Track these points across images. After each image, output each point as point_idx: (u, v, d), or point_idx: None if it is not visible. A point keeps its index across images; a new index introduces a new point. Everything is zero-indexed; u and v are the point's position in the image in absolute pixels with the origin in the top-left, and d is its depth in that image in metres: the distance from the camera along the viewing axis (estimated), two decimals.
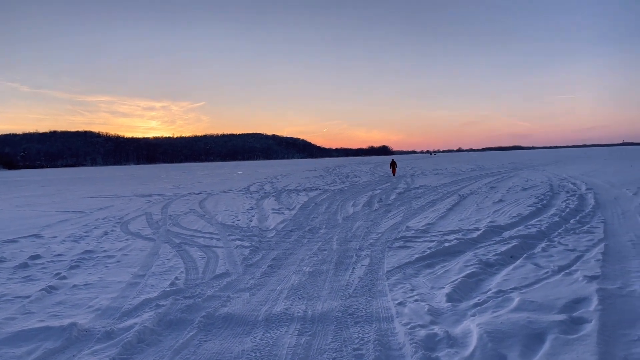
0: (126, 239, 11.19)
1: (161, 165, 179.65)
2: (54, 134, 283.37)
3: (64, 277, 7.49)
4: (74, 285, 6.99)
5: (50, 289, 6.74)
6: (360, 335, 4.76)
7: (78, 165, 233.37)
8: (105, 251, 9.76)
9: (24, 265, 8.48)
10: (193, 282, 7.14)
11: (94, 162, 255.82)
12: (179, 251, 9.48)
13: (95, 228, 13.21)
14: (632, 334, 4.34)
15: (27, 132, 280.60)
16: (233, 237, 10.91)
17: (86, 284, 7.06)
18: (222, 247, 9.86)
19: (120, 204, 20.48)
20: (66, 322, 5.15)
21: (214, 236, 11.21)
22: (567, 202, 14.38)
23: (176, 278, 7.27)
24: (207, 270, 7.84)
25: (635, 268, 6.66)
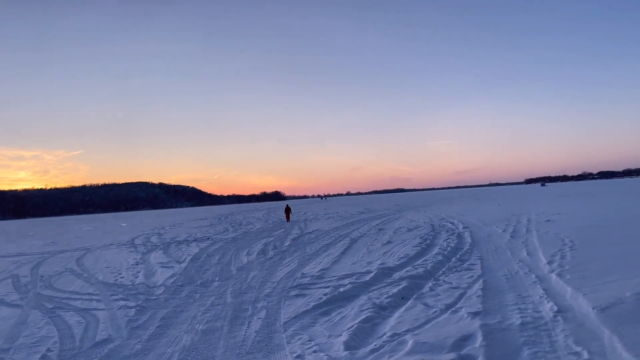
0: None
1: (32, 220, 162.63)
2: None
3: None
4: None
5: None
6: None
7: None
8: None
9: None
10: (69, 352, 6.37)
11: None
12: (52, 317, 8.47)
13: None
14: None
15: None
16: (116, 297, 10.04)
17: None
18: (103, 309, 9.00)
19: None
20: None
21: (94, 297, 10.23)
22: (448, 240, 15.44)
23: (48, 350, 6.44)
24: (85, 338, 7.06)
25: (511, 301, 7.25)
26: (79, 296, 10.49)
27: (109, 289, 11.10)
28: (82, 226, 58.41)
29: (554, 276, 8.66)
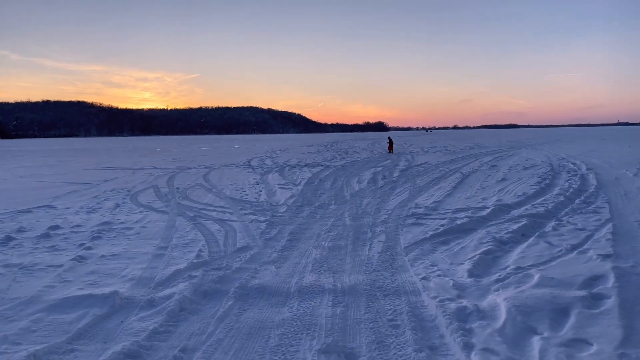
0: (139, 211, 11.35)
1: (157, 137, 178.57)
2: (46, 104, 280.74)
3: (90, 248, 7.67)
4: (102, 256, 7.17)
5: (80, 259, 6.93)
6: (392, 307, 5.00)
7: (71, 136, 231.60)
8: (122, 223, 9.92)
9: (46, 236, 8.64)
10: (217, 254, 7.35)
11: (87, 133, 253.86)
12: (196, 224, 9.66)
13: (105, 200, 13.34)
14: None
15: (19, 101, 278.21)
16: (245, 212, 11.09)
17: (113, 255, 7.25)
18: (236, 220, 10.04)
19: (125, 176, 20.58)
20: (107, 290, 5.35)
21: (226, 210, 11.39)
22: (570, 182, 14.65)
23: (200, 250, 7.46)
24: (227, 244, 8.04)
25: None
26: (212, 208, 11.75)
27: (237, 204, 12.25)
28: (200, 145, 63.24)
29: None
